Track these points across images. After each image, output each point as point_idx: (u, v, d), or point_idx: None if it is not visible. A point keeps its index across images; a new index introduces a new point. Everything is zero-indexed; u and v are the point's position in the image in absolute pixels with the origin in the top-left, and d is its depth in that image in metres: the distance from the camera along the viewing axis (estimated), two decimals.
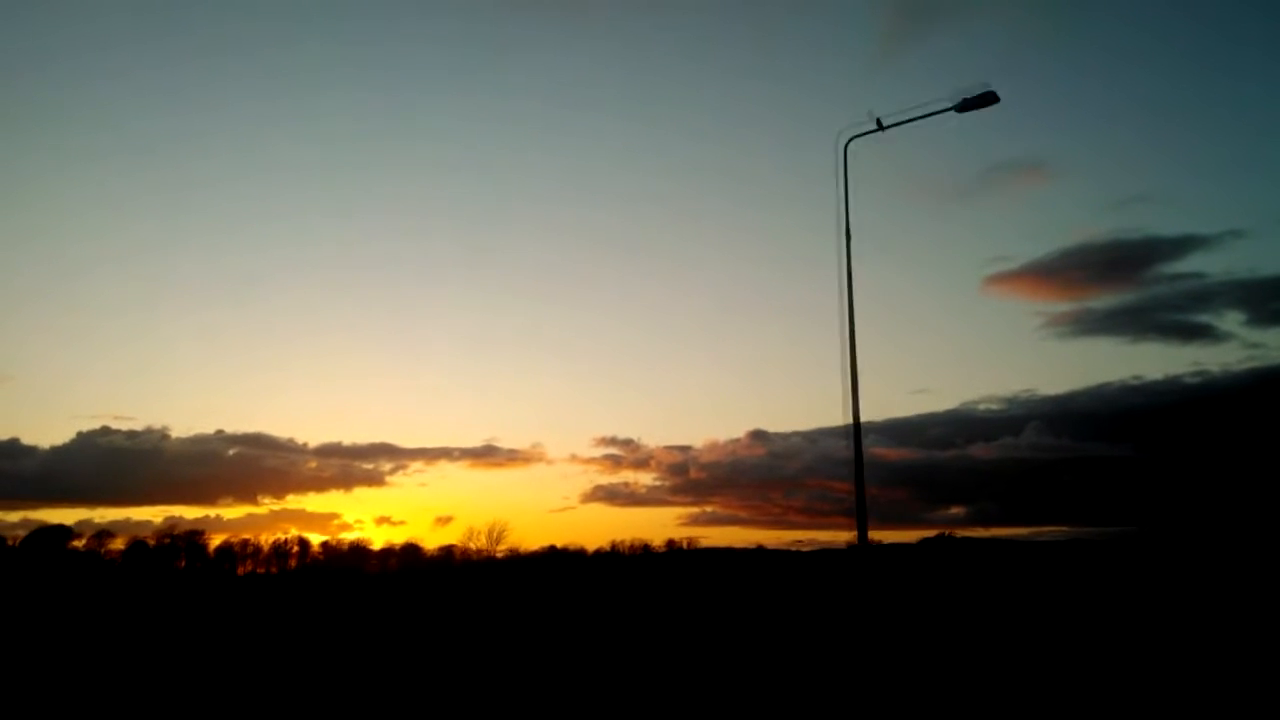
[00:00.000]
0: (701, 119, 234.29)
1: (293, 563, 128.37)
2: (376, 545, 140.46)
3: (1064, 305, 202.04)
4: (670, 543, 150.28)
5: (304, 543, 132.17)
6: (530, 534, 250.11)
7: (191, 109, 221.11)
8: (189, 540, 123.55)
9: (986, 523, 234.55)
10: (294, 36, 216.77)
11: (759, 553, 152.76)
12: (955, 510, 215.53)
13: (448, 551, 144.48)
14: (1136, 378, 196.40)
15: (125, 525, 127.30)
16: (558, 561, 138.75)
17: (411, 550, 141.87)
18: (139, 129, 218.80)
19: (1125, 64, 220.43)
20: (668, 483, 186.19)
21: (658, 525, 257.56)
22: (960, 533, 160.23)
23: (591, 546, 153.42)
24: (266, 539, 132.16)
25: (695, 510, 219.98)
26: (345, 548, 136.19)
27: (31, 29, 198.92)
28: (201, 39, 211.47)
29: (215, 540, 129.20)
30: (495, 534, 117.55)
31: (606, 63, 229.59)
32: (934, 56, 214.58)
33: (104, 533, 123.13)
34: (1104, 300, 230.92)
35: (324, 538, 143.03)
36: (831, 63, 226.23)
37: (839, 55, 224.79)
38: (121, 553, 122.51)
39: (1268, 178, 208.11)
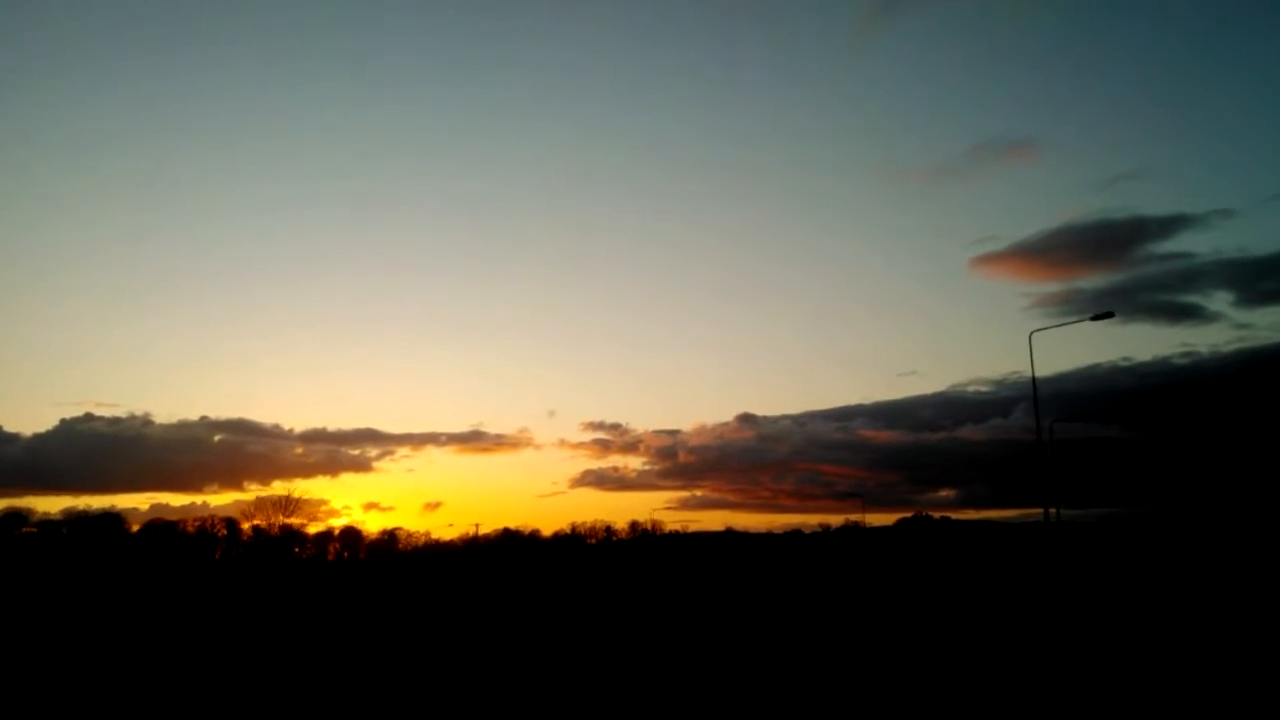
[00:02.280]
0: (686, 105, 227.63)
1: (219, 548, 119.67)
2: (312, 530, 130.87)
3: (1052, 286, 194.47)
4: (634, 525, 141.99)
5: (233, 526, 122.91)
6: (523, 519, 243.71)
7: (174, 99, 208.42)
8: (104, 524, 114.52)
9: (977, 505, 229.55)
10: (278, 27, 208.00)
11: (728, 535, 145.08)
12: (945, 493, 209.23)
13: (390, 535, 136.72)
14: (1126, 359, 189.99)
15: (110, 513, 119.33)
16: (508, 549, 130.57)
17: (351, 534, 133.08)
18: (121, 119, 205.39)
19: (1113, 41, 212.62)
20: (657, 466, 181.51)
21: (647, 509, 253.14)
22: (940, 514, 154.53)
23: (568, 532, 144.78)
24: (194, 523, 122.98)
25: (684, 494, 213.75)
26: (276, 532, 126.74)
27: (12, 20, 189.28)
28: (184, 30, 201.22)
29: (136, 525, 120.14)
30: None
31: (591, 50, 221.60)
32: (917, 34, 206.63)
33: (13, 514, 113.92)
34: (1092, 280, 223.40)
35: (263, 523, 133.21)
36: (810, 43, 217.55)
37: (817, 36, 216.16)
38: (32, 537, 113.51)
39: (1257, 156, 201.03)
